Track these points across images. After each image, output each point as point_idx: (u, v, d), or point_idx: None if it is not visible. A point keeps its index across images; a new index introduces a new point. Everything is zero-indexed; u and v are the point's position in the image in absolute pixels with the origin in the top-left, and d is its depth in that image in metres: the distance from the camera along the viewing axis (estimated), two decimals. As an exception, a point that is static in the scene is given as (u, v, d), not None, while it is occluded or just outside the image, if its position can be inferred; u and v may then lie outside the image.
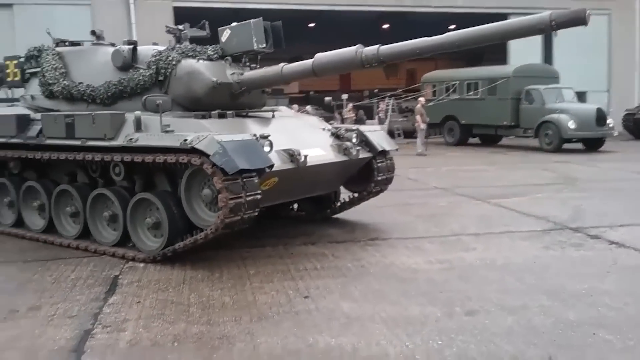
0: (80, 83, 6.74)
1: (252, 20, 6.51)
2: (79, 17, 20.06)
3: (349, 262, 5.54)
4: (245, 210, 5.13)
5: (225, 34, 6.77)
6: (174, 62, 6.31)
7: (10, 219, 7.16)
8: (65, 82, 6.76)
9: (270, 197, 5.98)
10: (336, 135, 6.81)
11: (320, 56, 5.94)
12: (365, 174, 7.10)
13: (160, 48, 6.58)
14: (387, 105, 23.86)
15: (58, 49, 7.12)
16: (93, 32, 7.19)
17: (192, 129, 5.55)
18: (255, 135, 5.44)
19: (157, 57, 6.35)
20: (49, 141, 6.27)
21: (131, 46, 6.54)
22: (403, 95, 25.96)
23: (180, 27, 7.24)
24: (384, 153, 7.06)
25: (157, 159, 5.41)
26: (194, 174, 5.33)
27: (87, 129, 5.90)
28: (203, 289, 4.76)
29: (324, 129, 6.94)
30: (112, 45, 7.04)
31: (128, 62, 6.47)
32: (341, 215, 7.75)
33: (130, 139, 5.59)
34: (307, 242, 6.40)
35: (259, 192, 5.22)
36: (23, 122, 6.55)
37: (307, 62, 6.03)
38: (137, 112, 5.66)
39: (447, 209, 8.37)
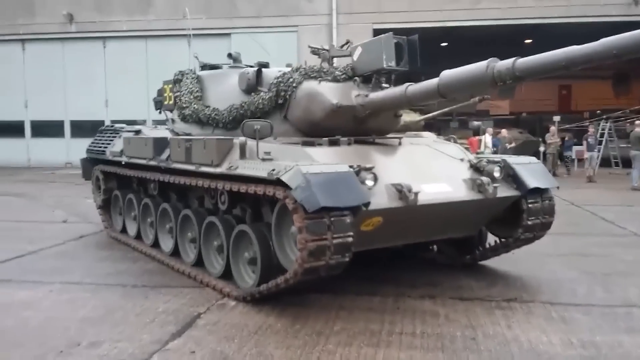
0: (207, 107, 6.70)
1: (382, 36, 5.79)
2: (286, 43, 21.26)
3: (460, 329, 4.44)
4: (331, 255, 4.40)
5: (357, 52, 6.14)
6: (294, 84, 5.87)
7: (150, 239, 7.42)
8: (195, 105, 6.79)
9: (377, 239, 5.16)
10: (475, 168, 5.70)
11: (447, 74, 4.97)
12: (514, 216, 5.82)
13: (287, 69, 6.21)
14: (603, 129, 20.75)
15: (199, 72, 7.22)
16: (229, 55, 7.15)
17: (295, 158, 5.02)
18: (354, 166, 4.69)
19: (279, 79, 5.98)
20: (174, 165, 6.29)
21: (256, 68, 6.28)
22: (626, 118, 22.41)
23: (326, 46, 6.81)
24: (538, 191, 5.71)
25: (250, 189, 4.99)
26: (284, 208, 4.77)
27: (200, 154, 5.75)
28: (269, 344, 4.15)
29: (462, 160, 5.86)
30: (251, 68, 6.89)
31: (252, 85, 6.22)
32: (488, 263, 6.51)
33: (231, 166, 5.27)
34: (426, 294, 5.39)
35: (351, 234, 4.45)
36: (159, 145, 6.70)
37: (432, 82, 5.09)
38: (242, 138, 5.32)
39: (633, 267, 6.54)
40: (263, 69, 6.27)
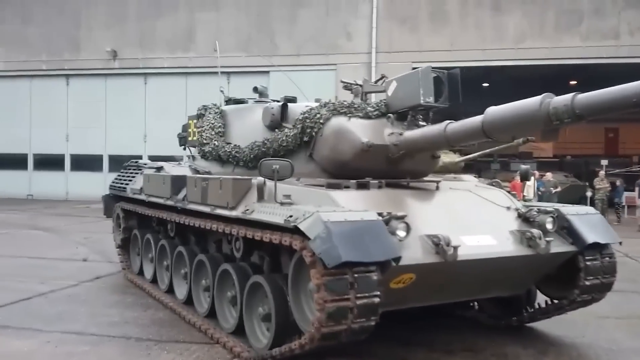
0: (228, 144, 6.23)
1: (420, 69, 5.25)
2: (325, 81, 20.99)
3: (506, 413, 3.70)
4: (354, 318, 3.77)
5: (391, 87, 5.61)
6: (321, 120, 5.35)
7: (165, 284, 6.90)
8: (216, 142, 6.33)
9: (409, 298, 4.51)
10: (524, 218, 5.00)
11: (493, 111, 4.36)
12: (569, 275, 5.07)
13: (314, 104, 5.69)
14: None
15: (223, 107, 6.80)
16: (255, 89, 6.72)
17: (318, 202, 4.45)
18: (384, 214, 4.08)
19: (305, 115, 5.47)
20: (190, 205, 5.80)
21: (281, 103, 5.79)
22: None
23: (359, 81, 6.32)
24: (597, 247, 4.96)
25: (265, 236, 4.43)
26: (302, 260, 4.16)
27: (215, 194, 5.24)
28: (276, 423, 3.50)
29: (508, 208, 5.18)
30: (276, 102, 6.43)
31: (277, 121, 5.73)
32: (537, 325, 5.72)
33: (247, 209, 4.73)
34: (464, 364, 4.67)
35: (377, 293, 3.81)
36: (177, 183, 6.22)
37: (476, 119, 4.49)
38: (259, 179, 4.79)
39: None
40: (289, 104, 5.79)
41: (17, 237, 12.44)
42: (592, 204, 17.92)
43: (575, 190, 22.56)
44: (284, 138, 5.53)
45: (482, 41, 21.08)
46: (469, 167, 15.25)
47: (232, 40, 22.52)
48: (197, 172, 6.72)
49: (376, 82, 6.39)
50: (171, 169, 7.23)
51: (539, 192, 16.80)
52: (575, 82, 24.55)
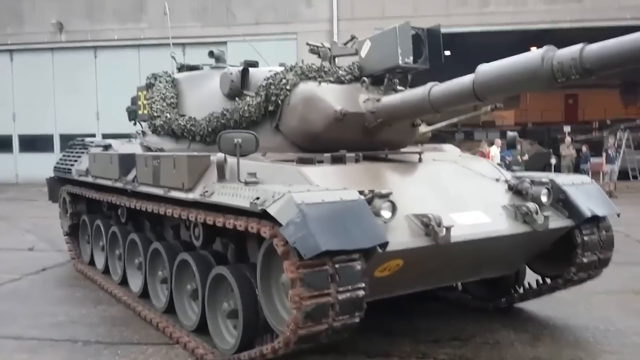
0: (182, 116, 5.52)
1: (397, 25, 4.65)
2: (286, 50, 20.13)
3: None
4: (336, 316, 3.21)
5: (365, 47, 5.00)
6: (288, 87, 4.70)
7: (118, 275, 6.21)
8: (167, 114, 5.61)
9: (394, 287, 4.00)
10: (516, 190, 4.51)
11: (486, 69, 3.79)
12: (564, 251, 4.63)
13: (279, 69, 5.03)
14: (620, 140, 19.56)
15: (175, 75, 6.06)
16: (211, 53, 5.99)
17: (288, 180, 3.83)
18: (366, 192, 3.51)
19: (269, 81, 4.81)
20: (141, 188, 5.11)
21: (242, 67, 5.11)
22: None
23: (326, 43, 5.65)
24: (594, 220, 4.51)
25: (228, 222, 3.81)
26: (273, 249, 3.55)
27: (169, 175, 4.56)
28: None
29: (497, 180, 4.68)
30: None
31: (237, 88, 5.04)
32: (526, 306, 5.31)
33: (206, 191, 4.08)
34: (456, 355, 4.18)
35: (362, 285, 3.25)
36: (126, 162, 5.49)
37: (465, 80, 3.92)
38: (219, 155, 4.13)
39: None
40: (250, 69, 5.10)
41: (-43, 226, 11.45)
42: (557, 171, 17.82)
43: (540, 157, 22.51)
44: (245, 108, 4.87)
45: (445, 6, 20.56)
46: (434, 138, 14.82)
47: (186, 10, 21.37)
48: (149, 149, 6.01)
49: (346, 43, 5.76)
50: (120, 147, 6.48)
51: (506, 162, 16.55)
52: (535, 48, 24.26)
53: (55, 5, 22.71)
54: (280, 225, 3.20)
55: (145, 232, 5.91)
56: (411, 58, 4.61)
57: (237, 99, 5.01)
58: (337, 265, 3.18)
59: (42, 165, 23.10)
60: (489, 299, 5.31)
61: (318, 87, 4.68)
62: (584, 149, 19.45)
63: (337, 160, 4.28)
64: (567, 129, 22.51)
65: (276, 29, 21.58)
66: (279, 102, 4.73)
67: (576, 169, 19.55)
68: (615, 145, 18.99)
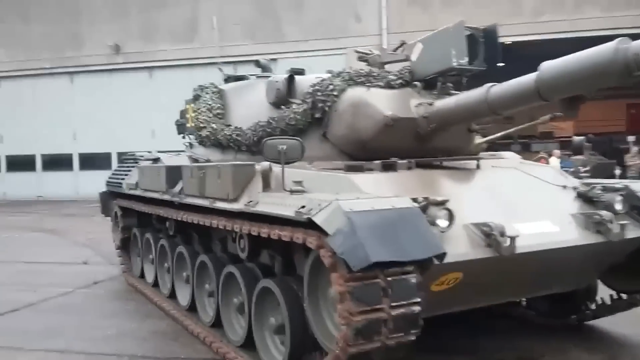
0: (229, 126, 5.41)
1: (450, 25, 4.41)
2: (335, 66, 20.06)
3: None
4: (389, 333, 2.94)
5: (416, 50, 4.77)
6: (335, 93, 4.51)
7: (167, 288, 6.13)
8: (213, 125, 5.51)
9: (453, 302, 3.70)
10: (586, 198, 4.13)
11: (550, 66, 3.48)
12: (641, 263, 4.21)
13: (326, 75, 4.85)
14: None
15: (221, 86, 5.97)
16: (257, 62, 5.88)
17: (336, 189, 3.62)
18: (419, 199, 3.25)
19: (316, 87, 4.63)
20: (187, 199, 5.01)
21: (287, 75, 4.96)
22: None
23: (375, 50, 5.47)
24: (675, 229, 4.07)
25: (273, 233, 3.62)
26: (320, 260, 3.32)
27: (214, 185, 4.43)
28: None
29: (564, 187, 4.31)
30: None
31: (283, 96, 4.89)
32: (598, 324, 4.87)
33: (250, 201, 3.91)
34: (524, 378, 3.84)
35: (418, 300, 2.98)
36: (172, 174, 5.41)
37: (528, 78, 3.62)
38: (265, 163, 3.97)
39: None
40: (296, 76, 4.95)
41: (17, 241, 11.79)
42: (623, 182, 16.88)
43: (603, 168, 21.42)
44: (291, 115, 4.70)
45: (498, 16, 19.99)
46: (489, 149, 14.32)
47: (237, 28, 21.64)
48: (196, 161, 5.93)
49: (395, 49, 5.53)
50: (168, 160, 6.44)
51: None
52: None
53: (112, 27, 23.50)
54: (327, 235, 2.98)
55: (193, 245, 5.81)
56: (466, 59, 4.34)
57: (283, 107, 4.85)
58: (389, 279, 2.92)
59: (101, 182, 23.92)
60: (557, 316, 4.92)
61: (366, 93, 4.46)
62: (650, 159, 18.42)
63: (388, 167, 4.04)
64: (631, 138, 21.42)
65: (325, 44, 21.57)
66: (326, 108, 4.54)
67: (643, 179, 18.54)
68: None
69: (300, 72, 5.29)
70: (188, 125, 6.59)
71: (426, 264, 3.03)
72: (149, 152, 18.90)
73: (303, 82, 4.87)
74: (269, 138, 3.73)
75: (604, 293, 4.67)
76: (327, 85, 4.55)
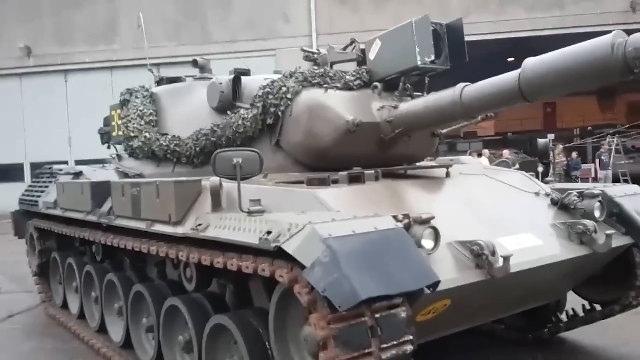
0: (164, 135, 4.78)
1: (414, 20, 4.01)
2: (264, 69, 19.46)
3: None
4: (379, 378, 2.48)
5: (373, 48, 4.35)
6: (288, 95, 4.00)
7: (95, 321, 5.39)
8: (146, 134, 4.85)
9: (436, 329, 3.29)
10: (561, 205, 3.85)
11: (535, 63, 3.13)
12: (617, 272, 3.98)
13: (276, 76, 4.34)
14: (610, 145, 19.24)
15: (154, 89, 5.32)
16: (194, 62, 5.28)
17: (300, 206, 3.11)
18: (399, 217, 2.81)
19: (266, 90, 4.11)
20: (118, 221, 4.33)
21: (231, 76, 4.40)
22: (630, 133, 21.04)
23: (322, 50, 5.01)
24: (654, 236, 3.87)
25: (230, 262, 3.06)
26: (289, 292, 2.81)
27: (151, 205, 3.80)
28: None
29: (537, 194, 4.02)
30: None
31: (228, 100, 4.33)
32: (569, 335, 4.63)
33: (199, 224, 3.33)
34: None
35: (410, 338, 2.53)
36: (99, 192, 4.70)
37: (508, 77, 3.26)
38: (214, 179, 3.41)
39: None
40: (242, 77, 4.40)
41: None
42: (543, 179, 17.38)
43: (527, 166, 22.14)
44: (239, 122, 4.14)
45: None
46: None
47: (160, 29, 20.60)
48: (126, 175, 5.24)
49: (345, 48, 5.11)
50: (92, 174, 5.68)
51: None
52: (512, 59, 23.88)
53: (22, 29, 21.79)
54: (301, 266, 2.48)
55: (125, 270, 5.13)
56: (432, 57, 3.97)
57: (228, 112, 4.28)
58: (377, 315, 2.45)
59: (13, 196, 22.03)
60: (527, 330, 4.64)
61: (324, 95, 3.99)
62: (574, 155, 19.11)
63: (355, 179, 3.58)
64: (550, 136, 22.20)
65: (253, 45, 20.96)
66: (279, 113, 4.02)
67: (566, 175, 19.21)
68: (607, 150, 18.67)
69: (245, 72, 4.74)
70: (114, 133, 5.86)
71: (416, 294, 2.59)
72: (66, 163, 17.57)
73: (250, 84, 4.33)
74: (220, 150, 3.14)
75: (574, 304, 4.42)
76: (279, 87, 4.04)
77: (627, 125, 21.45)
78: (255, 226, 2.86)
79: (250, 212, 3.02)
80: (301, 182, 3.54)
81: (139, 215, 3.97)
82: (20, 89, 22.29)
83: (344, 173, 3.55)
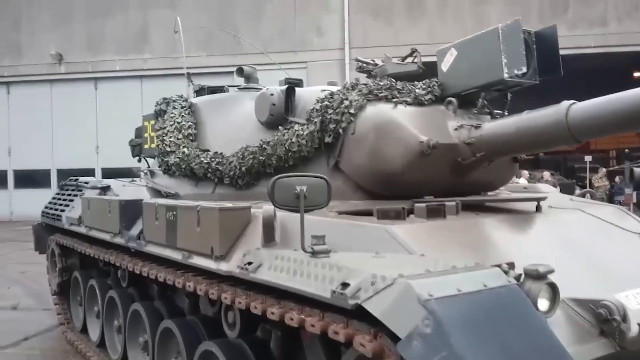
0: (205, 151, 4.24)
1: (500, 26, 3.43)
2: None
3: None
4: None
5: (447, 58, 3.78)
6: (352, 110, 3.43)
7: (117, 353, 4.84)
8: (185, 149, 4.31)
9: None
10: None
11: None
12: None
13: (335, 88, 3.77)
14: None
15: (193, 99, 4.80)
16: (240, 71, 4.76)
17: (370, 245, 2.53)
18: (504, 266, 2.20)
19: (325, 103, 3.55)
20: (148, 247, 3.79)
21: (285, 87, 3.85)
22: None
23: (378, 60, 4.47)
24: None
25: (289, 316, 2.47)
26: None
27: (191, 233, 3.25)
28: None
29: (627, 230, 3.38)
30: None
31: (279, 114, 3.78)
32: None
33: (248, 263, 2.76)
34: None
35: None
36: (129, 211, 4.20)
37: (633, 93, 2.65)
38: (267, 208, 2.84)
39: None
40: (297, 89, 3.85)
41: None
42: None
43: (565, 189, 21.24)
44: (293, 139, 3.58)
45: (462, 33, 19.50)
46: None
47: (192, 39, 20.31)
48: (159, 194, 4.71)
49: (404, 59, 4.57)
50: (121, 190, 5.17)
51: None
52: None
53: (54, 36, 21.76)
54: (389, 333, 1.89)
55: (152, 299, 4.58)
56: (523, 69, 3.37)
57: (280, 127, 3.73)
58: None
59: (39, 202, 21.84)
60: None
61: (394, 110, 3.42)
62: (618, 179, 18.18)
63: (433, 212, 2.97)
64: (588, 158, 21.30)
65: (285, 57, 20.50)
66: (340, 131, 3.45)
67: (609, 200, 18.29)
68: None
69: (297, 83, 4.19)
70: (146, 146, 5.37)
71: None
72: (93, 171, 17.17)
73: (305, 96, 3.77)
74: (281, 176, 2.56)
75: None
76: (340, 101, 3.47)
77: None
78: (323, 272, 2.27)
79: (315, 253, 2.43)
80: (368, 214, 2.96)
81: (174, 244, 3.42)
82: (50, 95, 22.21)
83: (422, 205, 2.95)
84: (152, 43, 21.32)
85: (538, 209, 3.40)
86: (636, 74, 22.21)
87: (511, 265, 2.28)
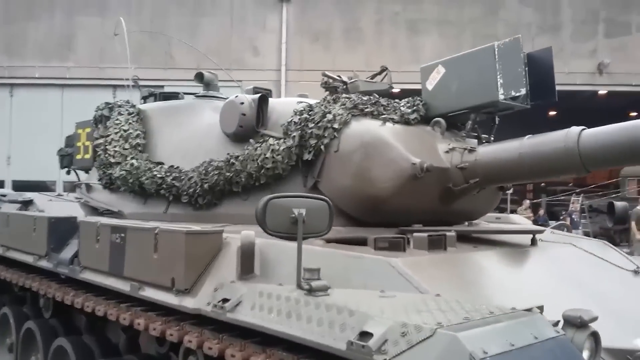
0: (159, 164, 3.70)
1: (496, 43, 3.18)
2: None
3: None
4: None
5: (433, 76, 3.49)
6: (335, 125, 3.04)
7: (34, 397, 4.13)
8: (133, 161, 3.75)
9: None
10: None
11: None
12: None
13: (313, 101, 3.38)
14: (581, 204, 19.06)
15: (141, 106, 4.25)
16: (199, 77, 4.28)
17: (367, 278, 2.15)
18: (535, 310, 1.87)
19: (303, 116, 3.14)
20: (85, 275, 3.19)
21: (257, 95, 3.40)
22: (597, 192, 21.00)
23: (345, 78, 4.14)
24: None
25: (282, 370, 2.02)
26: None
27: (143, 260, 2.71)
28: None
29: (637, 272, 3.19)
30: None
31: (249, 126, 3.32)
32: None
33: (222, 300, 2.26)
34: None
35: None
36: (60, 231, 3.57)
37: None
38: (247, 233, 2.37)
39: None
40: (269, 99, 3.42)
41: None
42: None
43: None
44: (267, 155, 3.13)
45: (398, 62, 19.83)
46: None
47: (119, 49, 19.36)
48: (96, 211, 4.08)
49: (373, 77, 4.31)
50: (47, 205, 4.48)
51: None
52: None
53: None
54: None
55: (80, 333, 3.92)
56: (523, 90, 3.13)
57: (251, 141, 3.27)
58: None
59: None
60: None
61: (382, 128, 3.06)
62: (541, 212, 18.81)
63: (435, 243, 2.61)
64: (509, 190, 21.93)
65: (218, 76, 19.98)
66: (322, 147, 3.05)
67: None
68: (578, 210, 18.46)
69: (267, 92, 3.76)
70: (79, 156, 4.72)
71: None
72: (2, 183, 15.73)
73: (278, 108, 3.36)
74: (274, 196, 2.09)
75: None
76: (322, 114, 3.08)
77: (592, 186, 21.42)
78: (328, 316, 1.84)
79: (312, 290, 1.99)
80: (359, 242, 2.57)
81: (120, 272, 2.86)
82: (-40, 101, 20.40)
83: (422, 235, 2.59)
84: (77, 51, 20.13)
85: (533, 242, 3.13)
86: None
87: (541, 309, 1.96)
